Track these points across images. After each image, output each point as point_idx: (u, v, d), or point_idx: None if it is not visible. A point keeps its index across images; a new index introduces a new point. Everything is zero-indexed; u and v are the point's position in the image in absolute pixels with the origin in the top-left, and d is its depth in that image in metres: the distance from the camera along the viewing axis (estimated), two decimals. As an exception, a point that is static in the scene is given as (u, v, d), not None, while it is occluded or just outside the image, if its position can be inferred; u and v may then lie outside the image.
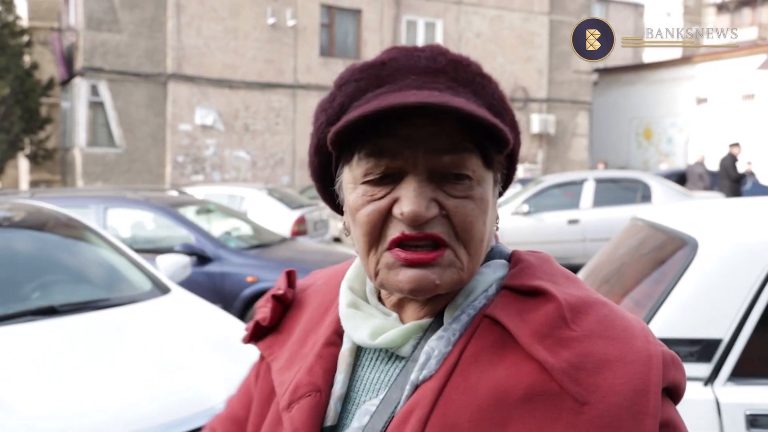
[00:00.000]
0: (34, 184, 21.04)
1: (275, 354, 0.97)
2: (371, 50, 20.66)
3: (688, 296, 2.28)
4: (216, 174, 19.34)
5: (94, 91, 18.39)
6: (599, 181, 10.87)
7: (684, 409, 2.25)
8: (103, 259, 3.96)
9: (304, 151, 20.20)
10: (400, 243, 0.80)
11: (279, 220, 11.03)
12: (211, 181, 18.81)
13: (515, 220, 10.60)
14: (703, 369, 2.15)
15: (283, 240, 7.74)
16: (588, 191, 10.64)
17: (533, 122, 22.73)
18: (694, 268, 2.32)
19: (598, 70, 26.58)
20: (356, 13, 20.94)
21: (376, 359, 0.89)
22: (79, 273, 3.83)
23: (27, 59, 20.49)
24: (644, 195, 10.64)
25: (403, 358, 0.86)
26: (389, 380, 0.86)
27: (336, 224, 12.97)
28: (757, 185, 14.72)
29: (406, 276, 0.80)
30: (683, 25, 31.42)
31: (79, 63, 18.38)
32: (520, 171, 21.40)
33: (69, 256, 3.93)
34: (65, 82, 20.54)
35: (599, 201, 10.37)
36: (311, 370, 0.89)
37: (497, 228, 0.90)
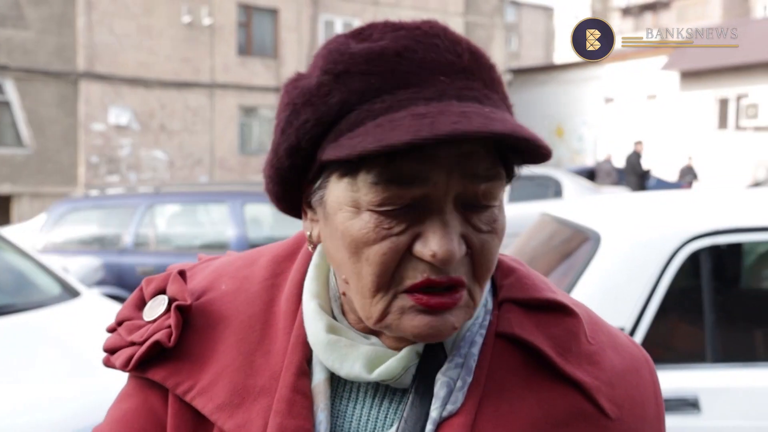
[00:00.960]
0: (-66, 187, 19.99)
1: (186, 384, 0.77)
2: (289, 50, 20.52)
3: (591, 288, 2.38)
4: (132, 174, 18.83)
5: (0, 89, 17.63)
6: (513, 178, 11.12)
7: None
8: (8, 264, 3.83)
9: (223, 151, 20.08)
10: (421, 288, 0.67)
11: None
12: (126, 181, 18.31)
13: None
14: (606, 356, 2.25)
15: None
16: (503, 188, 10.89)
17: (451, 121, 23.03)
18: (597, 261, 2.42)
19: (512, 70, 27.19)
20: (273, 12, 20.76)
21: (358, 391, 0.76)
22: (-18, 278, 3.68)
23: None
24: (556, 191, 10.97)
25: (395, 389, 0.74)
26: (386, 417, 0.74)
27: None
28: (660, 181, 15.39)
29: (424, 322, 0.67)
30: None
31: (-17, 60, 17.58)
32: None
33: (-30, 261, 3.78)
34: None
35: (513, 197, 10.61)
36: (293, 410, 0.73)
37: None
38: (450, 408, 0.70)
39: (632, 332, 2.28)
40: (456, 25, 23.16)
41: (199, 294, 0.82)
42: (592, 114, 24.89)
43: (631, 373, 0.75)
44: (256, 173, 16.87)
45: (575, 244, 2.71)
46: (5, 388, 2.61)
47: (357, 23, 21.73)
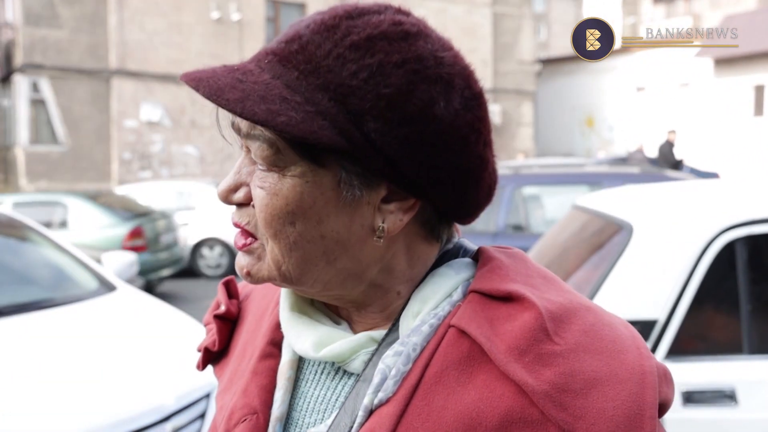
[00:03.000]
0: (-26, 184, 20.43)
1: (221, 375, 0.87)
2: (318, 43, 20.58)
3: (624, 279, 2.36)
4: (164, 170, 19.05)
5: (35, 88, 17.93)
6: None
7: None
8: (47, 259, 3.91)
9: (253, 146, 20.25)
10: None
11: (229, 215, 10.94)
12: (159, 177, 18.52)
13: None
14: (640, 348, 2.22)
15: None
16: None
17: (480, 113, 22.92)
18: (630, 252, 2.39)
19: (541, 61, 26.96)
20: (301, 6, 20.83)
21: (321, 373, 0.78)
22: (23, 273, 3.77)
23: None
24: (588, 182, 10.85)
25: (353, 374, 0.75)
26: (337, 399, 0.75)
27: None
28: (694, 171, 15.17)
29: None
30: (622, 15, 32.04)
31: (19, 60, 17.89)
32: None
33: (11, 256, 3.87)
34: (4, 80, 19.98)
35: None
36: (246, 390, 0.78)
37: (378, 240, 0.72)
38: (381, 396, 0.69)
39: (666, 323, 2.26)
40: (484, 15, 23.02)
41: (248, 294, 0.91)
42: (623, 103, 24.60)
43: (609, 383, 0.65)
44: (286, 167, 16.92)
45: (607, 236, 2.68)
46: (43, 383, 2.66)
47: (385, 16, 21.67)
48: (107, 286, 3.79)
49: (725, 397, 2.21)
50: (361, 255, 0.73)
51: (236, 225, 0.74)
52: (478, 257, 0.77)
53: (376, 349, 0.73)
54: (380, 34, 0.68)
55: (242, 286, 0.93)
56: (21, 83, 17.87)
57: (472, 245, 0.81)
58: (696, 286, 2.29)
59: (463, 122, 0.69)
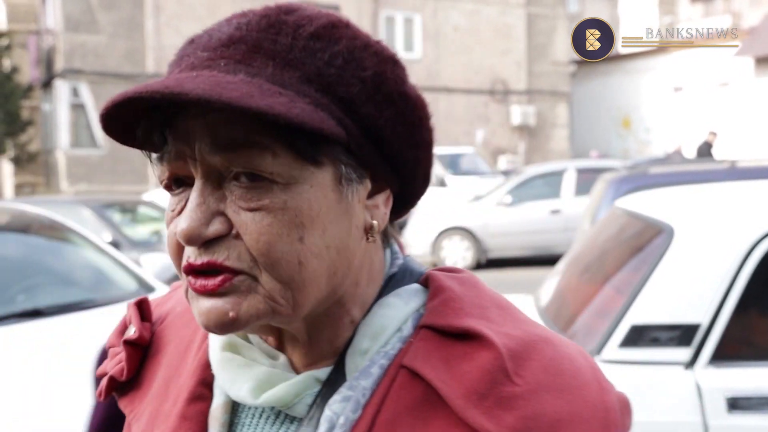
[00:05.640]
0: (18, 187, 20.89)
1: (136, 411, 0.76)
2: (351, 46, 20.65)
3: (665, 282, 2.32)
4: (198, 173, 19.32)
5: (75, 92, 18.27)
6: (580, 171, 10.96)
7: (665, 393, 2.28)
8: (88, 261, 3.97)
9: (287, 149, 20.43)
10: (190, 272, 0.62)
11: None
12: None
13: (498, 211, 10.81)
14: (684, 353, 2.19)
15: None
16: (569, 181, 10.78)
17: (513, 114, 22.81)
18: (671, 255, 2.36)
19: (576, 61, 26.73)
20: (334, 9, 20.93)
21: (260, 417, 0.70)
22: (64, 275, 3.83)
23: (7, 62, 20.29)
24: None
25: (295, 418, 0.68)
26: None
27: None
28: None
29: (200, 307, 0.63)
30: (658, 14, 31.64)
31: (59, 65, 18.24)
32: (503, 163, 21.49)
33: (54, 258, 3.94)
34: (46, 85, 20.39)
35: (581, 190, 10.47)
36: None
37: (372, 239, 0.68)
38: None
39: (710, 328, 2.22)
40: (518, 17, 22.88)
41: (163, 318, 0.81)
42: (660, 104, 24.27)
43: (572, 425, 0.61)
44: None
45: (647, 238, 2.65)
46: (84, 384, 2.70)
47: (417, 18, 21.69)
48: (146, 288, 3.84)
49: (771, 403, 2.16)
50: (354, 262, 0.67)
51: (210, 265, 0.61)
52: (428, 283, 0.71)
53: (320, 390, 0.67)
54: (330, 23, 0.66)
55: (155, 307, 0.82)
56: (61, 88, 18.22)
57: (419, 266, 0.75)
58: (740, 290, 2.25)
59: (420, 97, 0.69)
